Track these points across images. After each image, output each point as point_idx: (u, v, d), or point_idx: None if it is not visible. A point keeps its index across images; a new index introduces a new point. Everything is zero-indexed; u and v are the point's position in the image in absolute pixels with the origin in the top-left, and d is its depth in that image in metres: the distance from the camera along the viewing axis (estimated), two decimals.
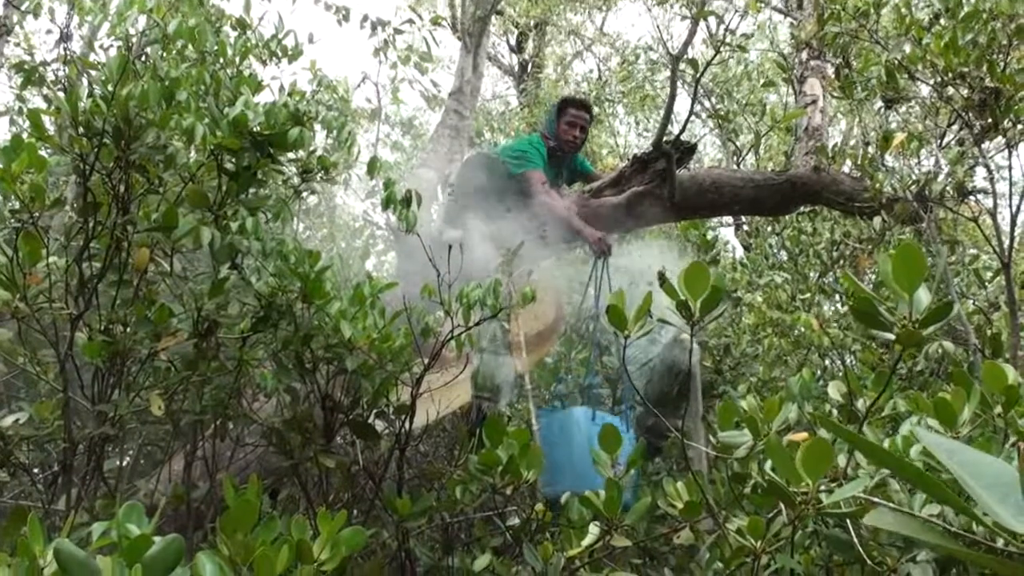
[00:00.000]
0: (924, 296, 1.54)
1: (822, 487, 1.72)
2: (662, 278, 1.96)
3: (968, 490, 0.86)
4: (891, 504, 1.76)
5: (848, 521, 2.05)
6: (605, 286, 4.58)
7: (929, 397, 2.10)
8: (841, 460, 2.02)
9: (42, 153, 2.40)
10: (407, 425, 2.78)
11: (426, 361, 2.79)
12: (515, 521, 2.89)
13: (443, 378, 3.09)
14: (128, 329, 2.51)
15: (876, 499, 1.72)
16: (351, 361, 2.63)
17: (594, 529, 2.51)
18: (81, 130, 2.42)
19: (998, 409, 1.99)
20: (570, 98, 5.41)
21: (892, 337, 1.59)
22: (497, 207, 4.96)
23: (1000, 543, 1.17)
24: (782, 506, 1.87)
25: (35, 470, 3.21)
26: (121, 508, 1.41)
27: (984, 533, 1.38)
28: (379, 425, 2.89)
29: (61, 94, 2.46)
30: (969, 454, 0.90)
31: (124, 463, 3.09)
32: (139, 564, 1.27)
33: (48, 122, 2.63)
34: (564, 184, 5.33)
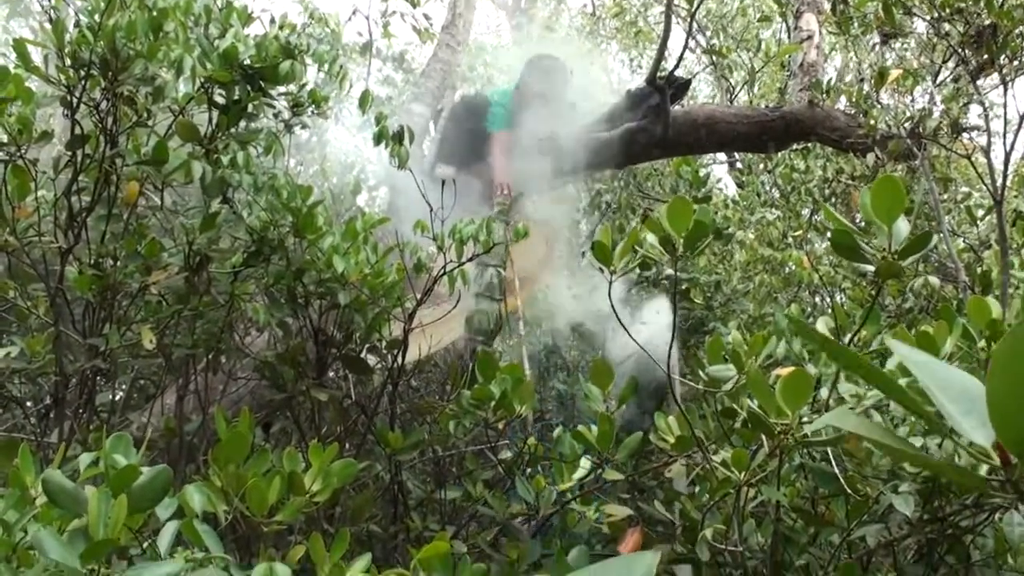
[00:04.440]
0: (903, 227, 1.55)
1: (803, 419, 1.74)
2: (645, 216, 1.96)
3: (935, 400, 0.89)
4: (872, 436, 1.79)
5: (832, 455, 2.07)
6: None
7: (916, 333, 2.10)
8: (823, 393, 2.04)
9: (29, 85, 2.38)
10: (399, 360, 2.80)
11: (418, 296, 2.80)
12: (507, 455, 2.92)
13: (435, 313, 3.10)
14: (118, 263, 2.51)
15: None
16: (343, 296, 2.64)
17: (585, 463, 2.54)
18: (68, 61, 2.39)
19: (982, 343, 2.00)
20: (534, 65, 5.19)
21: (872, 268, 1.60)
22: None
23: (984, 471, 1.18)
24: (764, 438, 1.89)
25: (27, 403, 3.24)
26: (108, 439, 1.42)
27: (964, 456, 1.39)
28: (371, 360, 2.90)
29: (47, 24, 2.42)
30: (940, 368, 0.92)
31: (117, 397, 3.11)
32: (125, 494, 1.28)
33: (35, 53, 2.60)
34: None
